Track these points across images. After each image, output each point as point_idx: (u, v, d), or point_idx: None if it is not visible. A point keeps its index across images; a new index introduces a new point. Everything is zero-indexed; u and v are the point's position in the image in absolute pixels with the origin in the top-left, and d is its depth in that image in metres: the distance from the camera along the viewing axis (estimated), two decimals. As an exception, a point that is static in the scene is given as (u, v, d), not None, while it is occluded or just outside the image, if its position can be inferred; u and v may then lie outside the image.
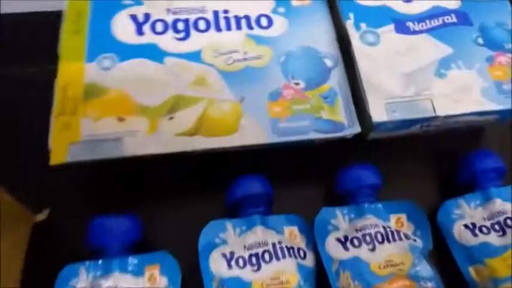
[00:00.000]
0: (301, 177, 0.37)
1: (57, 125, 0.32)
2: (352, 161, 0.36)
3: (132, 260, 0.31)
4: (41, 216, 0.35)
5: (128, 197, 0.36)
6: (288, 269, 0.31)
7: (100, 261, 0.31)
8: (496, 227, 0.33)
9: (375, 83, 0.34)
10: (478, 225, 0.34)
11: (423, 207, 0.35)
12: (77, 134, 0.32)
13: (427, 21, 0.37)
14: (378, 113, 0.33)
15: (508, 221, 0.33)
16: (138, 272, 0.31)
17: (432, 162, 0.39)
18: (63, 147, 0.31)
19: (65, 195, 0.36)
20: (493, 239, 0.33)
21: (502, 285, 0.31)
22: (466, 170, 0.36)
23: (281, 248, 0.31)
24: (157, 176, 0.37)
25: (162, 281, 0.31)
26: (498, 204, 0.34)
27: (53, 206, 0.36)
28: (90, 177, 0.37)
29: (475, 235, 0.34)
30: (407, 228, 0.34)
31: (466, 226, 0.34)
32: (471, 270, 0.33)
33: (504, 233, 0.33)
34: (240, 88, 0.34)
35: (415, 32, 0.36)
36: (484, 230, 0.34)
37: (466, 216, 0.35)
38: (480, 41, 0.36)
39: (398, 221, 0.34)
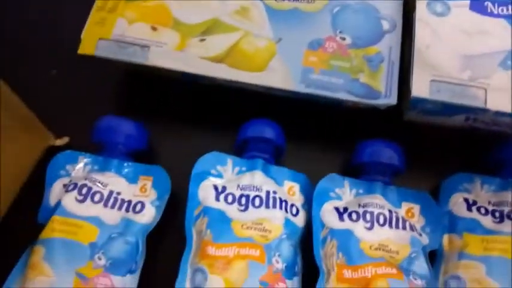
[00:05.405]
0: (320, 139, 0.35)
1: (93, 18, 0.32)
2: (379, 137, 0.33)
3: (129, 166, 0.31)
4: (60, 142, 0.34)
5: (142, 110, 0.36)
6: (274, 220, 0.29)
7: (100, 158, 0.32)
8: (497, 214, 0.30)
9: (427, 56, 0.30)
10: (478, 204, 0.31)
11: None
12: (109, 31, 0.32)
13: (510, 6, 0.32)
14: (420, 88, 0.30)
15: (512, 215, 0.30)
16: (132, 179, 0.31)
17: (464, 158, 0.35)
18: (92, 41, 0.31)
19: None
20: (486, 221, 0.30)
21: (465, 260, 0.29)
22: (496, 154, 0.32)
23: (274, 198, 0.30)
24: (177, 98, 0.36)
25: (152, 194, 0.31)
26: None
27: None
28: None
29: (470, 210, 0.31)
30: (417, 221, 0.31)
31: (465, 200, 0.31)
32: (445, 238, 0.31)
33: (501, 221, 0.30)
34: (282, 28, 0.33)
35: (492, 15, 0.32)
36: (482, 210, 0.31)
37: (472, 193, 0.32)
38: None
39: (409, 211, 0.31)
